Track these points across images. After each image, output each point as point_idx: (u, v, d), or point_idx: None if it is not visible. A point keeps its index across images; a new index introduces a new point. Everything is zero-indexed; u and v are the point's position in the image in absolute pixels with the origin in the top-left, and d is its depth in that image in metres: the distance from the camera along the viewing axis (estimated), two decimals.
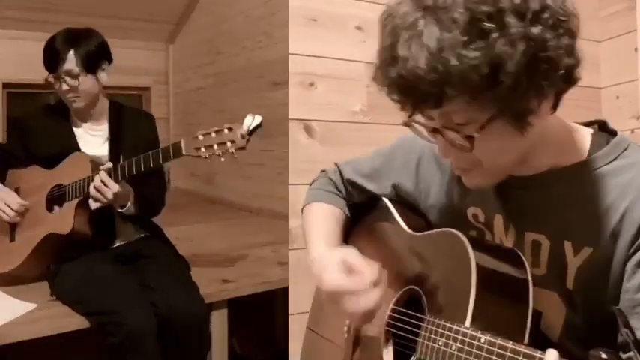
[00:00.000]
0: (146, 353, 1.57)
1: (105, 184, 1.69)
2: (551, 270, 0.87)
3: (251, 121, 1.54)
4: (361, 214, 1.17)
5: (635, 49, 1.94)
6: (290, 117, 1.59)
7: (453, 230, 0.89)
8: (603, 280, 0.81)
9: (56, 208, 1.85)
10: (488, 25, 0.67)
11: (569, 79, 0.75)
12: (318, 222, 1.12)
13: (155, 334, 1.60)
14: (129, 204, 1.78)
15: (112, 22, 4.26)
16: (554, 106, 0.80)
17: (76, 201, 1.77)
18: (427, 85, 0.69)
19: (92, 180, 1.70)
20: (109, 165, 1.73)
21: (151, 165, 1.68)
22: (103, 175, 1.69)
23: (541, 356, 0.67)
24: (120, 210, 1.80)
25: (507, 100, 0.70)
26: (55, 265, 1.80)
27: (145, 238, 1.95)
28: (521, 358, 0.69)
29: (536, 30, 0.68)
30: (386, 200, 1.11)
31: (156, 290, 1.71)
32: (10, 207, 1.81)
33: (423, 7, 0.70)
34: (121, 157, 1.86)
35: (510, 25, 0.67)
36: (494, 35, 0.67)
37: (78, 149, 1.86)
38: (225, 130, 1.58)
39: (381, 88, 0.77)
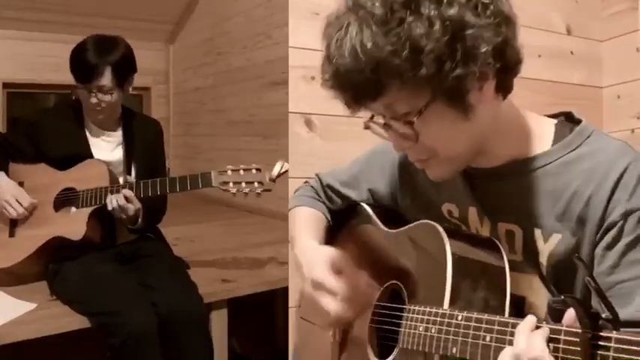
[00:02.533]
0: (147, 353, 1.58)
1: (128, 200, 1.72)
2: (527, 257, 0.89)
3: (280, 167, 1.64)
4: (342, 221, 1.20)
5: (637, 49, 1.94)
6: (290, 110, 1.59)
7: (428, 221, 0.91)
8: (573, 264, 0.82)
9: (64, 210, 1.84)
10: (403, 11, 0.71)
11: (503, 57, 0.76)
12: (303, 222, 1.15)
13: (156, 334, 1.60)
14: (139, 221, 1.82)
15: (112, 22, 4.26)
16: (502, 92, 0.81)
17: (90, 209, 1.78)
18: (358, 77, 0.73)
19: (112, 192, 1.73)
20: (132, 180, 1.76)
21: (177, 189, 1.74)
22: (128, 192, 1.72)
23: (515, 321, 0.69)
24: (130, 227, 1.82)
25: (437, 82, 0.72)
26: (54, 264, 1.80)
27: (143, 239, 1.96)
28: (496, 327, 0.71)
29: (452, 10, 0.71)
30: (365, 205, 1.15)
31: (155, 290, 1.71)
32: (20, 204, 1.81)
33: (348, 8, 0.76)
34: (132, 163, 1.90)
35: (425, 8, 0.70)
36: (410, 19, 0.70)
37: (90, 153, 1.87)
38: (254, 170, 1.71)
39: (328, 91, 0.81)
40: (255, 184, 1.70)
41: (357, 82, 0.74)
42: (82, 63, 1.76)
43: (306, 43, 1.59)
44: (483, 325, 0.72)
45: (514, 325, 0.69)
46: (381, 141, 1.07)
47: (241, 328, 2.21)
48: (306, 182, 1.27)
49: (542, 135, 0.88)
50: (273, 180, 1.67)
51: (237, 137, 4.18)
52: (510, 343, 0.68)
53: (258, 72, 3.86)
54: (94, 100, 1.78)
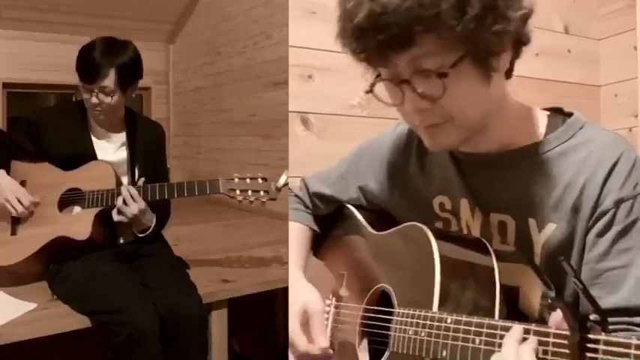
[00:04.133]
0: (149, 352, 1.58)
1: (133, 199, 1.73)
2: (520, 247, 0.89)
3: (286, 177, 1.67)
4: (330, 226, 1.21)
5: (635, 48, 1.94)
6: (290, 109, 1.59)
7: (415, 223, 0.91)
8: (567, 254, 0.83)
9: (68, 210, 1.84)
10: None
11: (521, 31, 0.78)
12: (292, 246, 1.18)
13: (157, 334, 1.60)
14: (152, 228, 1.84)
15: (112, 22, 4.26)
16: (508, 71, 0.83)
17: (96, 210, 1.78)
18: (400, 18, 0.69)
19: (119, 194, 1.75)
20: (140, 183, 1.77)
21: (185, 194, 1.78)
22: (131, 189, 1.74)
23: (504, 324, 0.70)
24: (140, 235, 1.83)
25: (474, 36, 0.72)
26: (54, 264, 1.80)
27: (143, 238, 1.95)
28: (485, 329, 0.71)
29: None
30: (351, 207, 1.15)
31: (154, 290, 1.72)
32: (21, 203, 1.80)
33: None
34: (136, 165, 1.91)
35: None
36: None
37: (93, 153, 1.87)
38: (260, 180, 1.76)
39: (345, 46, 0.77)
40: (262, 192, 1.75)
41: (396, 26, 0.70)
42: (88, 62, 1.76)
43: (304, 42, 1.59)
44: (473, 329, 0.73)
45: (503, 328, 0.69)
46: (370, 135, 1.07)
47: (241, 328, 2.21)
48: (289, 190, 1.29)
49: (536, 125, 0.89)
50: (278, 189, 1.72)
51: (237, 137, 4.18)
52: (499, 346, 0.68)
53: (258, 72, 3.86)
54: (94, 100, 1.78)
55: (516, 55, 0.82)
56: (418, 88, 0.77)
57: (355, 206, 1.14)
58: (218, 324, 1.93)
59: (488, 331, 0.71)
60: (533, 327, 0.66)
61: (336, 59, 1.63)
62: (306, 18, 1.58)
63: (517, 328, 0.68)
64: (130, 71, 1.82)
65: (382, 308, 0.94)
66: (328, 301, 1.12)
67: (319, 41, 1.61)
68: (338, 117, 1.64)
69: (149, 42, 5.02)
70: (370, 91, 0.82)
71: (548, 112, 0.92)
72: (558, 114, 0.91)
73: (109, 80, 1.76)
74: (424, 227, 0.88)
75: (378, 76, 0.81)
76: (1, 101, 4.57)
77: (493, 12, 0.71)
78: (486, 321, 0.72)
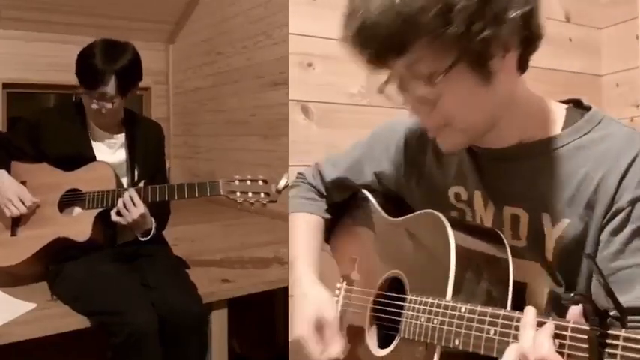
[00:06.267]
0: (148, 353, 1.58)
1: (133, 203, 1.73)
2: (531, 242, 0.88)
3: (286, 180, 1.68)
4: (344, 211, 1.18)
5: (637, 37, 1.93)
6: (290, 98, 1.58)
7: (431, 211, 0.90)
8: (580, 250, 0.83)
9: (68, 211, 1.84)
10: None
11: (529, 27, 0.77)
12: (300, 240, 1.14)
13: (157, 334, 1.60)
14: (153, 231, 1.84)
15: (112, 22, 4.26)
16: (522, 65, 0.82)
17: (96, 211, 1.79)
18: (384, 30, 0.72)
19: (119, 195, 1.75)
20: (141, 184, 1.77)
21: (185, 196, 1.78)
22: (132, 193, 1.73)
23: (519, 315, 0.69)
24: (142, 238, 1.84)
25: (464, 42, 0.72)
26: (55, 265, 1.80)
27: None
28: (500, 320, 0.71)
29: None
30: (365, 192, 1.13)
31: (154, 290, 1.72)
32: (23, 203, 1.80)
33: None
34: (136, 166, 1.92)
35: None
36: None
37: (92, 154, 1.87)
38: (260, 182, 1.76)
39: (350, 49, 0.79)
40: (262, 194, 1.75)
41: (382, 37, 0.73)
42: (88, 68, 1.76)
43: (304, 30, 1.57)
44: (487, 318, 0.72)
45: (519, 320, 0.68)
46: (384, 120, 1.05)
47: (241, 328, 2.21)
48: (300, 174, 1.23)
49: (553, 119, 0.88)
50: (279, 192, 1.72)
51: (237, 137, 4.18)
52: (515, 337, 0.68)
53: (258, 72, 3.86)
54: (95, 105, 1.79)
55: (529, 50, 0.81)
56: (415, 92, 0.78)
57: (369, 191, 1.13)
58: (218, 324, 1.93)
59: (504, 322, 0.70)
60: (550, 320, 0.66)
61: (336, 47, 1.61)
62: (307, 5, 1.57)
63: (531, 311, 0.68)
64: (130, 75, 1.81)
65: (394, 294, 0.93)
66: (339, 284, 1.11)
67: (319, 29, 1.59)
68: (338, 106, 1.62)
69: (149, 42, 5.02)
70: (381, 91, 0.82)
71: (566, 106, 0.90)
72: (577, 107, 0.90)
73: (110, 87, 1.76)
74: (441, 215, 0.87)
75: (388, 80, 0.82)
76: (1, 101, 4.57)
77: (482, 18, 0.71)
78: (502, 312, 0.71)
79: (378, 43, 0.74)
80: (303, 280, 1.05)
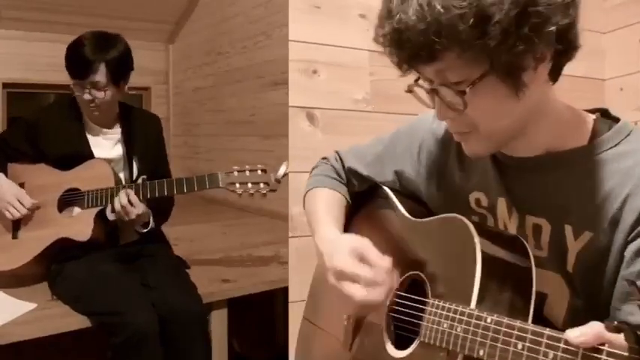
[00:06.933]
0: (149, 353, 1.58)
1: (131, 204, 1.72)
2: (553, 253, 0.87)
3: (285, 168, 1.66)
4: (362, 203, 1.17)
5: None
6: (291, 104, 1.58)
7: (457, 215, 0.89)
8: (602, 265, 0.81)
9: (68, 211, 1.84)
10: None
11: (565, 40, 0.75)
12: (324, 206, 1.12)
13: (157, 334, 1.60)
14: (151, 224, 1.83)
15: (112, 22, 4.25)
16: (554, 75, 0.81)
17: (95, 210, 1.78)
18: (418, 36, 0.71)
19: (116, 193, 1.73)
20: (139, 181, 1.76)
21: (184, 190, 1.75)
22: (131, 193, 1.73)
23: (550, 333, 0.67)
24: (142, 230, 1.83)
25: (498, 54, 0.71)
26: (56, 265, 1.79)
27: (145, 239, 1.95)
28: (529, 335, 0.69)
29: None
30: (386, 188, 1.12)
31: (154, 290, 1.71)
32: (22, 205, 1.80)
33: None
34: (134, 159, 1.90)
35: None
36: None
37: (89, 151, 1.86)
38: (259, 171, 1.74)
39: (382, 49, 0.78)
40: (261, 184, 1.73)
41: (416, 43, 0.72)
42: (77, 58, 1.75)
43: (308, 37, 1.58)
44: (515, 332, 0.71)
45: (550, 337, 0.67)
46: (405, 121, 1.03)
47: (241, 328, 2.21)
48: (324, 158, 1.23)
49: (581, 129, 0.86)
50: (278, 180, 1.70)
51: (237, 137, 4.18)
52: (544, 355, 0.66)
53: (258, 72, 3.86)
54: (87, 96, 1.77)
55: (563, 61, 0.80)
56: (444, 98, 0.78)
57: (390, 188, 1.12)
58: (218, 324, 1.93)
59: (533, 337, 0.69)
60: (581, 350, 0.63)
61: (340, 54, 1.62)
62: (310, 13, 1.57)
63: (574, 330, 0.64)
64: (121, 64, 1.80)
65: (413, 296, 0.93)
66: None
67: (324, 36, 1.60)
68: (343, 112, 1.63)
69: (149, 42, 5.03)
70: (410, 91, 0.82)
71: (594, 116, 0.88)
72: (606, 118, 0.88)
73: (100, 75, 1.75)
74: (467, 221, 0.85)
75: (418, 79, 0.82)
76: (1, 101, 4.57)
77: (516, 33, 0.70)
78: (530, 327, 0.70)
79: (410, 47, 0.73)
80: (328, 231, 1.03)
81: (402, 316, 0.94)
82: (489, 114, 0.79)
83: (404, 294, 0.96)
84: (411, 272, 0.96)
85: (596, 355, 0.62)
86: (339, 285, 0.92)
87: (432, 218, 0.97)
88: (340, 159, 1.19)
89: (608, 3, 2.04)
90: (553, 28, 0.72)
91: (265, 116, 3.77)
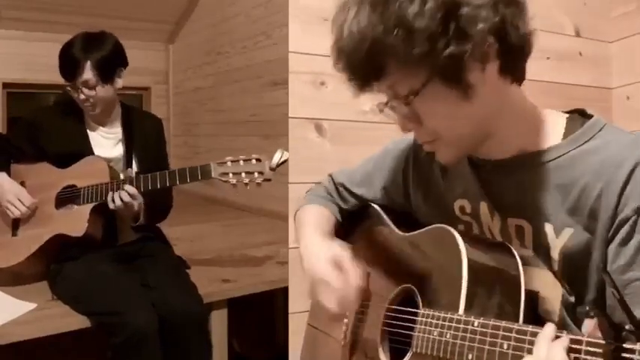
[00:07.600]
0: (149, 353, 1.58)
1: (132, 197, 1.72)
2: (538, 252, 0.88)
3: (280, 156, 1.64)
4: (354, 222, 1.19)
5: None
6: (291, 115, 1.59)
7: (444, 225, 0.90)
8: (586, 260, 0.82)
9: (65, 208, 1.84)
10: None
11: (503, 38, 0.75)
12: (312, 218, 1.15)
13: (157, 334, 1.60)
14: (141, 218, 1.82)
15: (112, 22, 4.25)
16: (509, 74, 0.80)
17: (91, 205, 1.78)
18: (357, 57, 0.76)
19: (112, 188, 1.73)
20: (132, 174, 1.75)
21: (177, 182, 1.74)
22: (130, 187, 1.72)
23: (533, 329, 0.68)
24: (133, 224, 1.82)
25: (431, 60, 0.72)
26: (55, 264, 1.80)
27: (144, 238, 1.96)
28: (513, 334, 0.70)
29: None
30: (376, 206, 1.14)
31: (155, 290, 1.72)
32: (22, 203, 1.81)
33: None
34: (134, 159, 1.90)
35: None
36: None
37: (91, 150, 1.87)
38: (253, 160, 1.70)
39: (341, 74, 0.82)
40: (256, 174, 1.70)
41: (357, 63, 0.76)
42: (65, 60, 1.77)
43: (316, 49, 1.58)
44: (501, 333, 0.72)
45: (533, 334, 0.68)
46: (394, 137, 1.06)
47: (241, 328, 2.21)
48: (319, 183, 1.26)
49: (554, 128, 0.87)
50: (273, 169, 1.68)
51: (237, 137, 4.18)
52: (529, 351, 0.67)
53: (258, 72, 3.86)
54: (81, 96, 1.79)
55: (511, 60, 0.79)
56: (400, 112, 0.81)
57: (380, 206, 1.14)
58: (218, 324, 1.93)
59: (517, 336, 0.70)
60: (565, 334, 0.65)
61: None
62: (318, 24, 1.58)
63: (550, 326, 0.67)
64: (108, 61, 1.80)
65: (406, 308, 0.93)
66: None
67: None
68: (351, 123, 1.64)
69: (149, 42, 5.03)
70: (381, 111, 0.85)
71: (567, 115, 0.89)
72: (579, 116, 0.89)
73: (87, 73, 1.75)
74: (452, 229, 0.87)
75: (388, 102, 0.84)
76: (1, 101, 4.57)
77: (444, 35, 0.71)
78: (515, 326, 0.70)
79: (356, 69, 0.78)
80: (312, 239, 1.06)
81: (396, 329, 0.95)
82: (446, 120, 0.80)
83: (397, 307, 0.96)
84: (403, 285, 0.96)
85: (577, 346, 0.63)
86: (316, 291, 0.96)
87: (420, 231, 0.98)
88: (332, 179, 1.22)
89: (614, 12, 2.04)
90: (482, 25, 0.72)
91: (265, 116, 3.77)
